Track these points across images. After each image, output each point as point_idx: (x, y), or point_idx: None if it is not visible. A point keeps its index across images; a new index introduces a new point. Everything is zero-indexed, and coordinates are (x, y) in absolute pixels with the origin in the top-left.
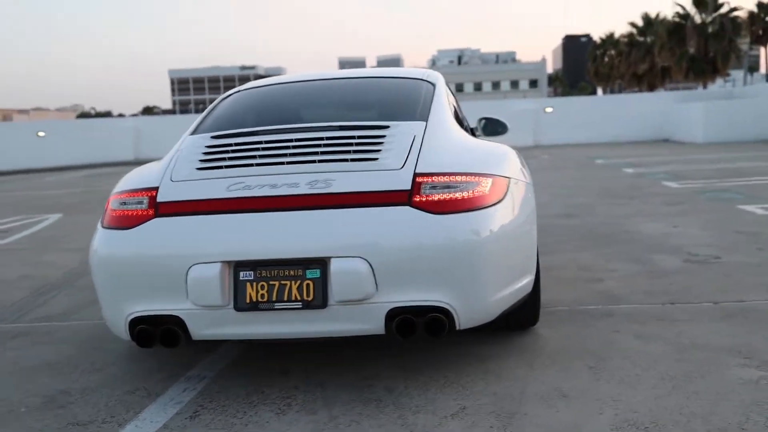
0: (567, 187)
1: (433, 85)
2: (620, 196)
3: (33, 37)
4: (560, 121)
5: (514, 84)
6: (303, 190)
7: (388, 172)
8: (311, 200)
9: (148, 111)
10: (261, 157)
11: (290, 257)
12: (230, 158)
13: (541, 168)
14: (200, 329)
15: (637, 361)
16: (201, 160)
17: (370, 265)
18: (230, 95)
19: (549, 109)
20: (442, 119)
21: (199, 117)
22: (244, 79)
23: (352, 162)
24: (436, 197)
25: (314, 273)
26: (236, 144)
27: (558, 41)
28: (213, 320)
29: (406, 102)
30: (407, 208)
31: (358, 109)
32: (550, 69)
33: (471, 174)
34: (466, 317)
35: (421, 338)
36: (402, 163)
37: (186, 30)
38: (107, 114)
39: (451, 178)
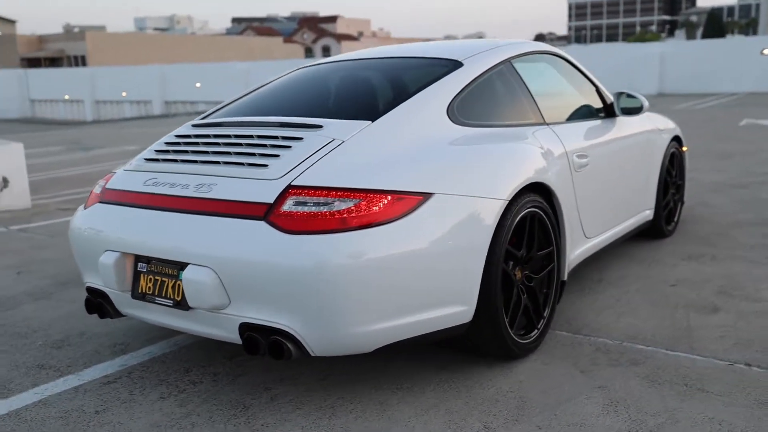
0: None
1: (459, 66)
2: None
3: None
4: None
5: None
6: (189, 192)
7: (263, 181)
8: (190, 204)
9: (540, 38)
10: (192, 152)
11: (163, 257)
12: (173, 151)
13: None
14: (121, 307)
15: (561, 417)
16: (156, 150)
17: (219, 277)
18: (287, 74)
19: None
20: (406, 118)
21: (230, 99)
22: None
23: (248, 167)
24: (295, 214)
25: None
26: (194, 135)
27: None
28: (125, 301)
29: (382, 94)
30: (261, 223)
31: (334, 102)
32: None
33: (351, 190)
34: (319, 346)
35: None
36: (285, 172)
37: None
38: None
39: (328, 193)
